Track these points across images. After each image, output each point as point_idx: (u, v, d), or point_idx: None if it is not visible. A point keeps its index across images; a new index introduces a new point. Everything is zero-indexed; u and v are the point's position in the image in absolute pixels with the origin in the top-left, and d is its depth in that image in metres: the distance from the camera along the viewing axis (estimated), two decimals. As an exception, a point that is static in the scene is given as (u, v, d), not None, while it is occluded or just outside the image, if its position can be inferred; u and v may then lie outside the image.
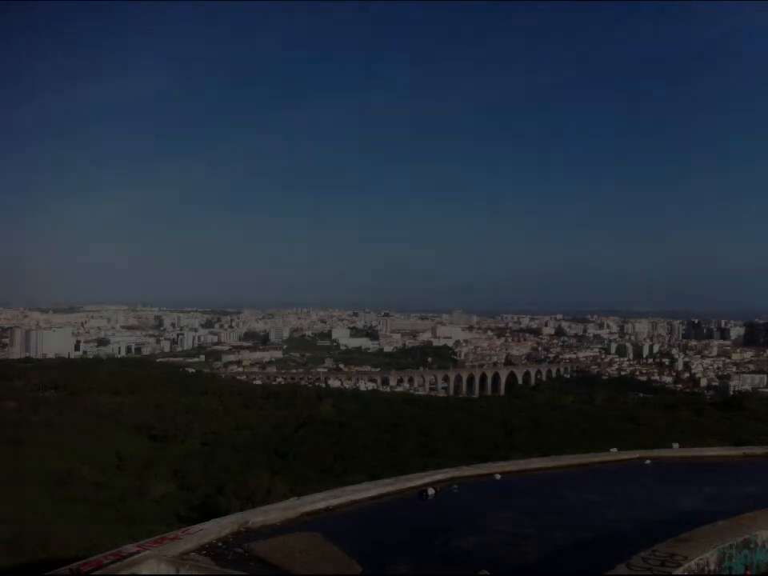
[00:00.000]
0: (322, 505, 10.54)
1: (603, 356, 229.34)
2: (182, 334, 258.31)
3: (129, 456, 54.35)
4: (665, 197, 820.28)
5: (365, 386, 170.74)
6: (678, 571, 6.65)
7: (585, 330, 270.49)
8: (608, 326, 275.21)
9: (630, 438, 51.91)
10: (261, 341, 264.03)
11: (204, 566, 7.60)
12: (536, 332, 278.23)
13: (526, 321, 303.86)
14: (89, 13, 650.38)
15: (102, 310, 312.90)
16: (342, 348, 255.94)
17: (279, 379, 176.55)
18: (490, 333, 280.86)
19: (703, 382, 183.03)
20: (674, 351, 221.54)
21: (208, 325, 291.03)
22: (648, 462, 14.84)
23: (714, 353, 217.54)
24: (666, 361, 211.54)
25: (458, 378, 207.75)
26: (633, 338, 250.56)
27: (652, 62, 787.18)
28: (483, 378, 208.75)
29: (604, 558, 7.58)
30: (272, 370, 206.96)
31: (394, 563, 8.20)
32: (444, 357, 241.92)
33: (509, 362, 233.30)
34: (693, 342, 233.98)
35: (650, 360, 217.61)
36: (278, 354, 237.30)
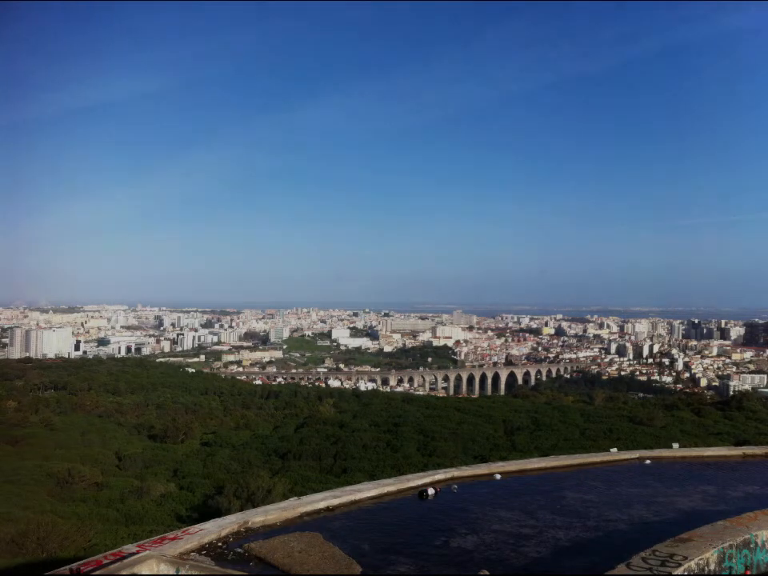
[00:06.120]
0: (321, 505, 10.55)
1: (603, 356, 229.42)
2: (182, 334, 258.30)
3: (129, 456, 54.25)
4: (664, 197, 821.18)
5: (365, 386, 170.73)
6: (678, 571, 6.65)
7: (585, 330, 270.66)
8: (608, 326, 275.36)
9: (630, 438, 51.99)
10: (261, 341, 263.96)
11: (204, 566, 7.60)
12: (536, 332, 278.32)
13: (525, 321, 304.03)
14: (86, 14, 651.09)
15: (101, 310, 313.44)
16: (342, 348, 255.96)
17: (279, 379, 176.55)
18: (490, 333, 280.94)
19: (703, 382, 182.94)
20: (674, 351, 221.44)
21: (208, 325, 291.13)
22: (648, 461, 14.85)
23: (714, 353, 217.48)
24: (666, 361, 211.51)
25: (458, 378, 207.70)
26: (633, 337, 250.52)
27: (650, 62, 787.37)
28: (483, 377, 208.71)
29: (604, 558, 7.59)
30: (272, 369, 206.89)
31: (394, 563, 8.20)
32: (444, 357, 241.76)
33: (509, 361, 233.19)
34: (693, 342, 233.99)
35: (650, 360, 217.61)
36: (278, 354, 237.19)
